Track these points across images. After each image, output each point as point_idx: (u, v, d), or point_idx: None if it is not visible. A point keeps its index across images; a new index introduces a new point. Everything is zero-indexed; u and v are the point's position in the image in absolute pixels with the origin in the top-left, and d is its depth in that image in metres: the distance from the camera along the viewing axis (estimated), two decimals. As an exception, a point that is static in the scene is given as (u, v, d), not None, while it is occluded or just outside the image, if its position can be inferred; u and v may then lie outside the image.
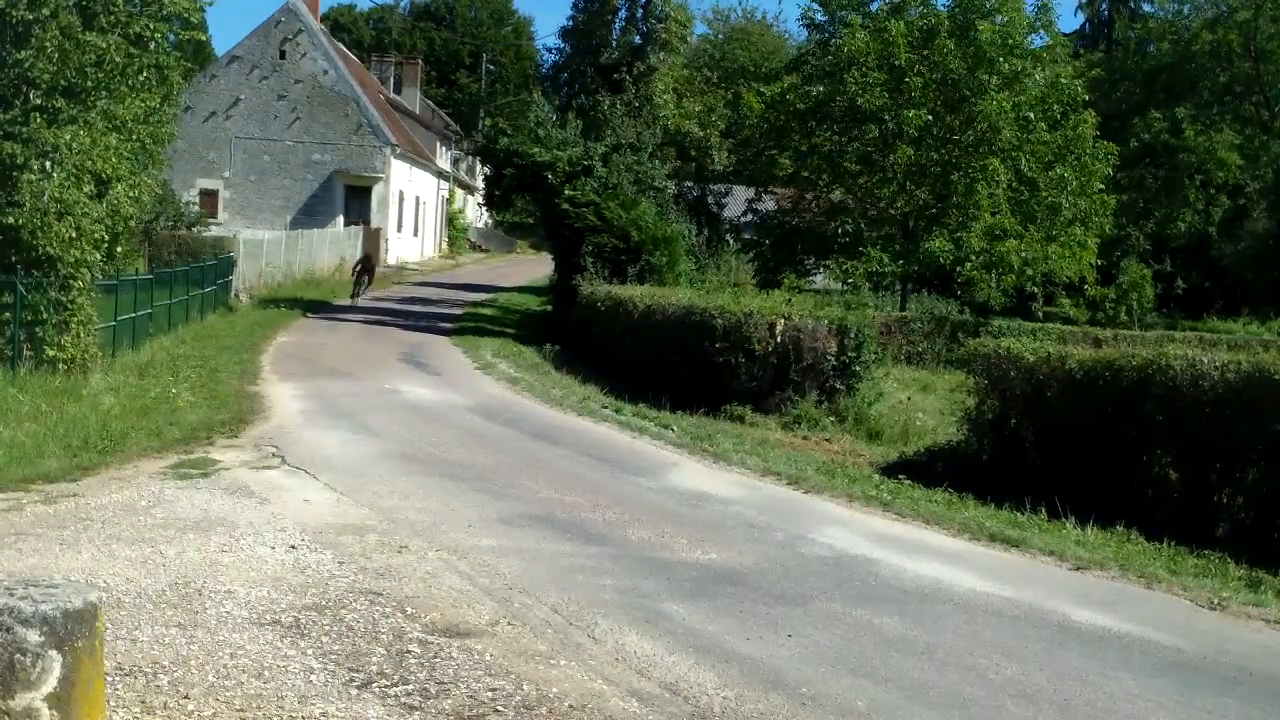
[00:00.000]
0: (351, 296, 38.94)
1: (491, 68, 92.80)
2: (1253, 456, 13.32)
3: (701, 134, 59.52)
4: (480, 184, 55.00)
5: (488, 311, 39.05)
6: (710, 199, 50.07)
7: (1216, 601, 10.34)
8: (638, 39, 55.87)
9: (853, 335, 21.32)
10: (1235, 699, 8.00)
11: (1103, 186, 37.09)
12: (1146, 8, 64.79)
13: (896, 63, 34.79)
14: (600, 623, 8.66)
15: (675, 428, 18.74)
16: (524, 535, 11.25)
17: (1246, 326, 47.02)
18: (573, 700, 7.18)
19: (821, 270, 39.27)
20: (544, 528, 11.60)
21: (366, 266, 40.68)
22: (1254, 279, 46.38)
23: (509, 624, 8.54)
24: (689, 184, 50.56)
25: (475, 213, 74.16)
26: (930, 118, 34.97)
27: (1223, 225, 53.79)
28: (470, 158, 69.70)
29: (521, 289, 48.18)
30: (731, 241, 46.58)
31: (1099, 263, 40.19)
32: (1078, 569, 11.35)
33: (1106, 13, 66.37)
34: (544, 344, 28.72)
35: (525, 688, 7.32)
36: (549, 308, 37.40)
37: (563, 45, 59.86)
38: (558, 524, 11.79)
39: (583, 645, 8.21)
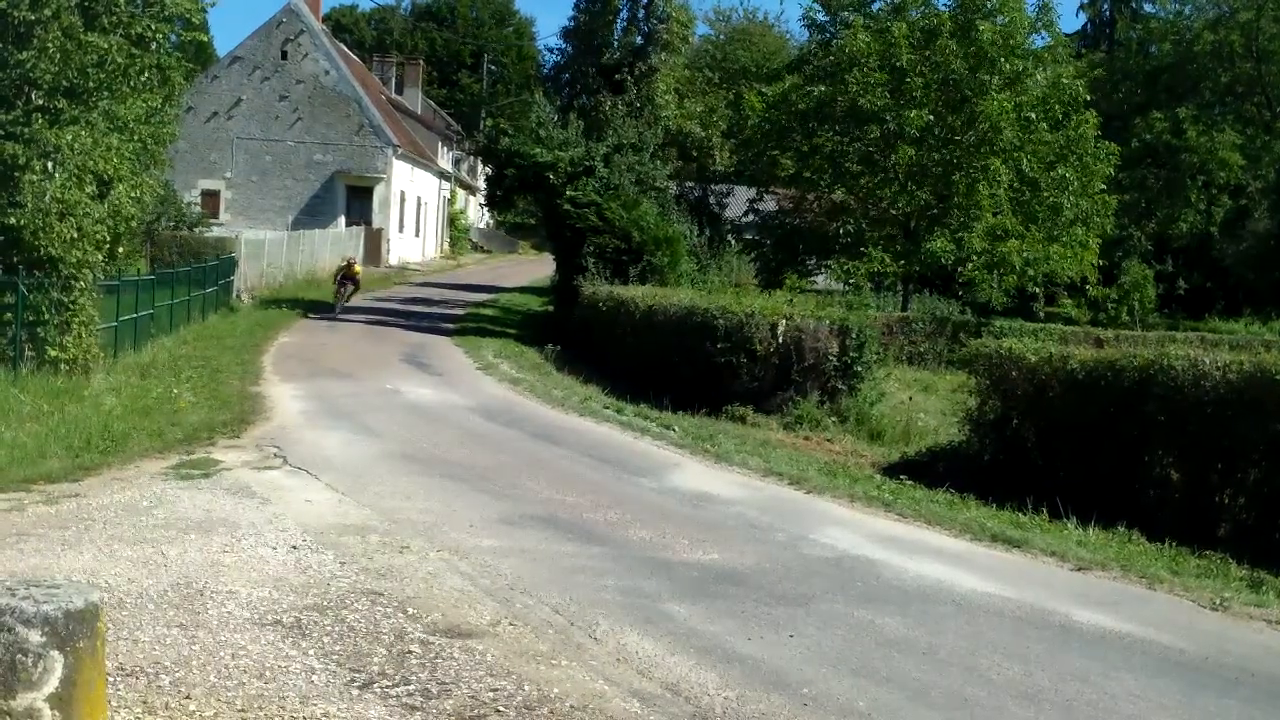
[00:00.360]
0: (333, 307, 34.57)
1: (493, 68, 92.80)
2: (1254, 457, 13.33)
3: (703, 134, 59.64)
4: (482, 184, 55.00)
5: (489, 312, 39.01)
6: (712, 199, 50.02)
7: (1218, 602, 10.33)
8: (639, 39, 55.96)
9: (854, 335, 21.33)
10: (1237, 700, 8.01)
11: (1104, 187, 37.05)
12: (1148, 8, 64.79)
13: (898, 63, 34.74)
14: (602, 623, 8.66)
15: (677, 428, 18.75)
16: (525, 536, 11.25)
17: (1248, 327, 46.98)
18: (574, 700, 7.18)
19: (823, 271, 39.26)
20: (545, 528, 11.60)
21: (348, 274, 35.62)
22: (1256, 279, 46.41)
23: (510, 624, 8.54)
24: (690, 184, 50.51)
25: (477, 213, 74.16)
26: (932, 118, 34.94)
27: (1224, 225, 53.82)
28: (472, 158, 69.83)
29: (523, 289, 48.15)
30: (733, 242, 46.50)
31: (1101, 263, 40.15)
32: (1079, 569, 11.35)
33: (1108, 13, 66.37)
34: (545, 344, 28.71)
35: (527, 688, 7.32)
36: (550, 308, 37.39)
37: (564, 46, 60.01)
38: (559, 524, 11.79)
39: (584, 645, 8.21)
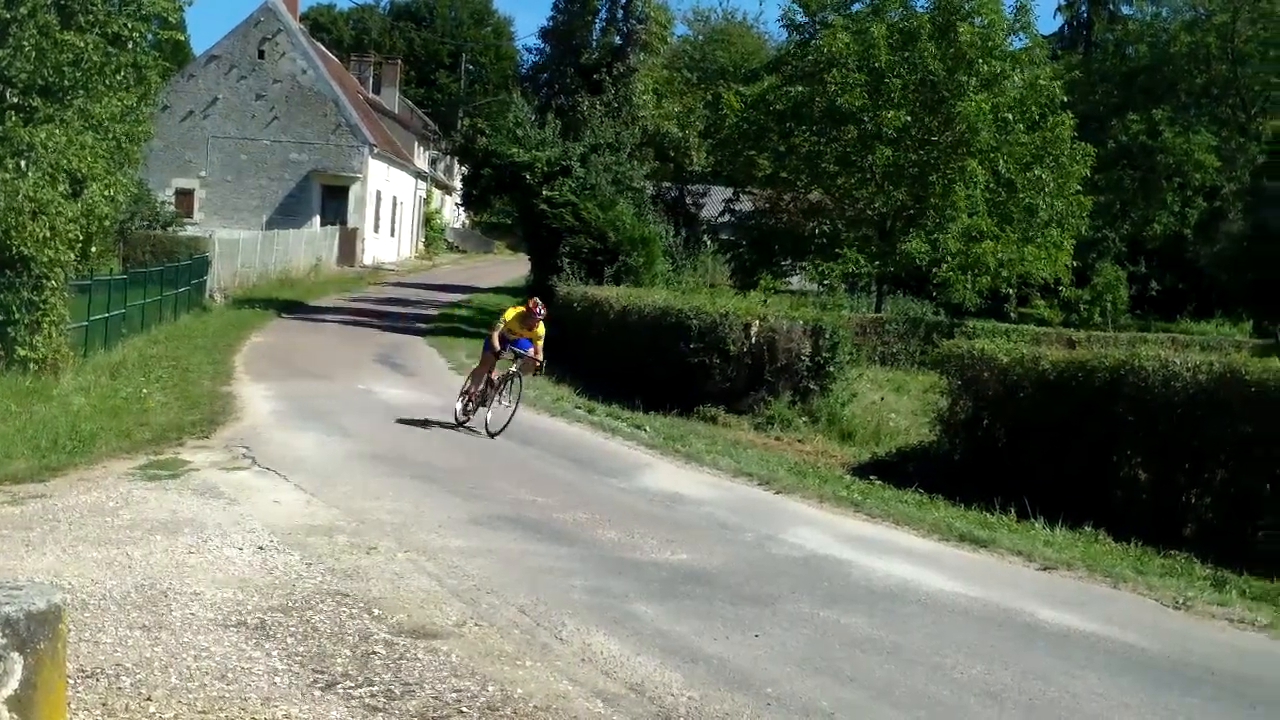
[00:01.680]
0: (473, 394, 17.60)
1: (471, 68, 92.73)
2: (1221, 457, 13.46)
3: (680, 134, 59.55)
4: (458, 184, 55.01)
5: (463, 312, 38.96)
6: (688, 199, 50.18)
7: (1182, 601, 10.41)
8: (618, 40, 55.82)
9: (827, 336, 21.37)
10: (1200, 699, 8.06)
11: (1079, 188, 37.26)
12: (1125, 10, 65.04)
13: (876, 64, 34.83)
14: (568, 623, 8.65)
15: (648, 428, 18.75)
16: (494, 536, 11.23)
17: (1219, 328, 47.26)
18: (538, 701, 7.17)
19: (798, 271, 39.40)
20: (514, 528, 11.59)
21: (521, 331, 17.44)
22: (1228, 281, 46.65)
23: (476, 625, 8.52)
24: (667, 184, 50.64)
25: (453, 213, 74.11)
26: (909, 119, 35.04)
27: (1198, 227, 54.03)
28: (448, 158, 69.61)
29: (498, 290, 48.07)
30: (709, 242, 46.60)
31: (1074, 264, 40.40)
32: (1045, 569, 11.41)
33: (1085, 14, 66.63)
34: (520, 344, 28.65)
35: (490, 689, 7.31)
36: (526, 309, 37.28)
37: (542, 46, 59.70)
38: (528, 525, 11.77)
39: (549, 646, 8.20)
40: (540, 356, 17.36)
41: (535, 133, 34.70)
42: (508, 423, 16.88)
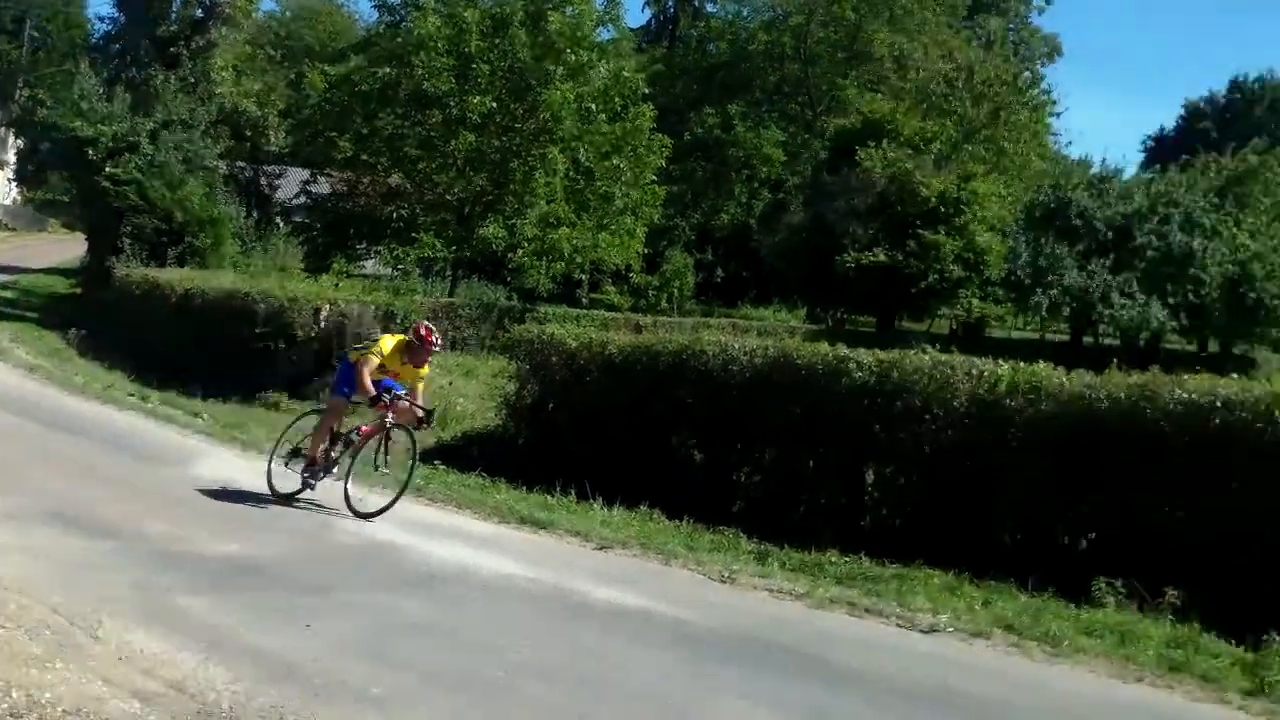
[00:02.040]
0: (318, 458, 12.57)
1: (35, 35, 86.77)
2: (772, 436, 14.12)
3: (259, 113, 57.92)
4: (12, 158, 51.47)
5: (8, 294, 36.30)
6: (263, 180, 48.75)
7: (728, 575, 10.94)
8: (199, 12, 53.85)
9: (399, 320, 21.25)
10: (739, 666, 8.47)
11: (655, 178, 38.50)
12: (710, 7, 68.02)
13: (466, 49, 34.88)
14: (106, 621, 8.16)
15: (206, 416, 18.10)
16: (30, 532, 10.43)
17: (776, 314, 49.96)
18: (67, 704, 6.73)
19: (374, 255, 39.09)
20: (54, 524, 10.81)
21: (404, 360, 12.58)
22: (787, 269, 49.24)
23: (1, 628, 7.93)
24: (241, 164, 49.04)
25: (3, 188, 69.25)
26: (495, 105, 35.29)
27: (762, 218, 56.82)
28: (3, 129, 65.19)
29: (50, 270, 45.47)
30: (282, 225, 45.51)
31: (646, 251, 41.74)
32: (602, 548, 11.74)
33: (672, 10, 69.26)
34: (70, 329, 27.10)
35: (15, 694, 6.79)
36: (79, 290, 35.41)
37: (116, 15, 56.81)
38: (69, 519, 11.02)
39: (84, 646, 7.72)
40: (425, 405, 12.70)
41: (102, 106, 33.30)
42: (397, 498, 11.99)
